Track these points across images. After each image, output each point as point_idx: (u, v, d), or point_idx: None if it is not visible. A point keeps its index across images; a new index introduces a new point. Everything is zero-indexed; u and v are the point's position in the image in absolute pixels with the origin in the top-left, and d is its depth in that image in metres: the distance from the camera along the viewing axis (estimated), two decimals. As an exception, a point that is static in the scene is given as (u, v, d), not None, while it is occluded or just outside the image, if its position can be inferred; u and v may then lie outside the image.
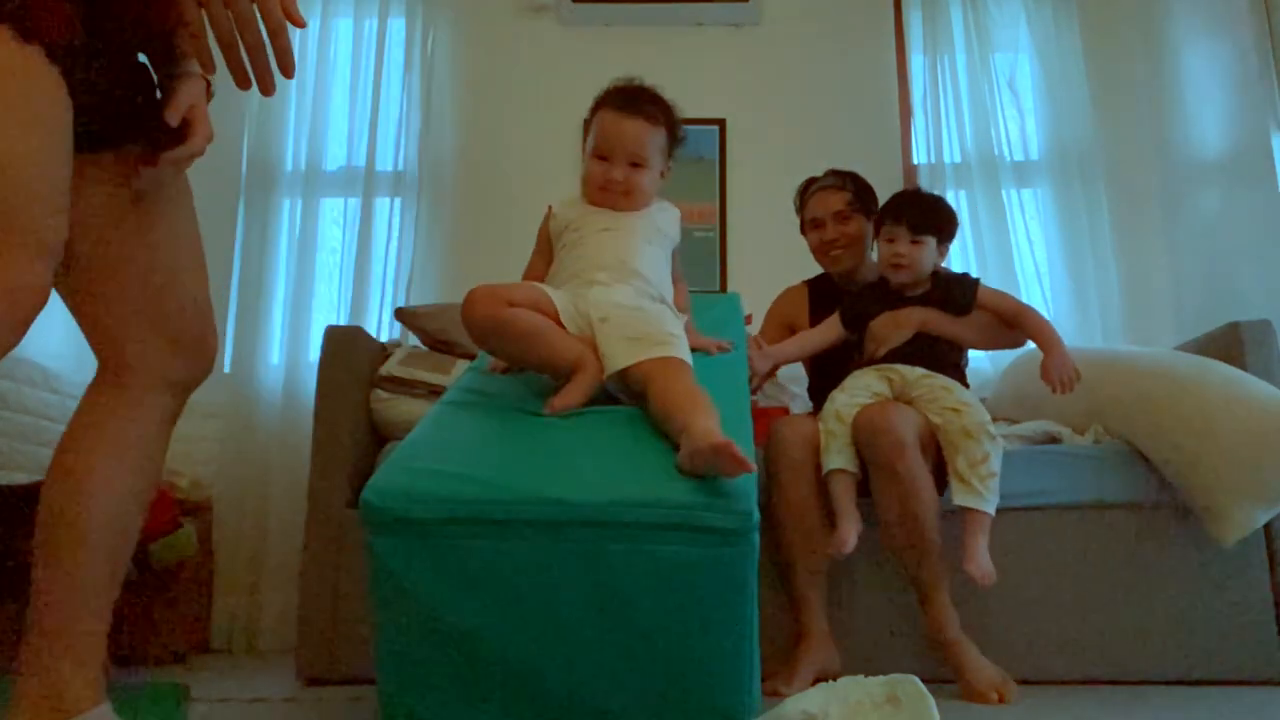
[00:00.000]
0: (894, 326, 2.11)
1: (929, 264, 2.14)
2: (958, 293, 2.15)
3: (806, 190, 2.44)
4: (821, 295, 2.41)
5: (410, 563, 1.24)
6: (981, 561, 1.83)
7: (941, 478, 1.96)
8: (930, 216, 2.14)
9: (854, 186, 2.37)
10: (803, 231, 2.45)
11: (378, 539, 1.24)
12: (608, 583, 1.22)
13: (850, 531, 1.88)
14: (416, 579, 1.24)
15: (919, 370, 2.05)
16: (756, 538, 1.23)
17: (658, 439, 1.42)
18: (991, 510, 1.88)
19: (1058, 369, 2.02)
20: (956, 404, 1.96)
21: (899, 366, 2.06)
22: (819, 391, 2.26)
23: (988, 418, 1.96)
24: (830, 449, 1.98)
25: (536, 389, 1.62)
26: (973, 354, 2.40)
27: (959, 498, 1.89)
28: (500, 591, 1.24)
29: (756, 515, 1.23)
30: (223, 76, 1.29)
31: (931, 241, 2.13)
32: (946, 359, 2.13)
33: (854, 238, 2.33)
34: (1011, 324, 2.14)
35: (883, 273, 2.18)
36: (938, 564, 1.90)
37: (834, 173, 2.42)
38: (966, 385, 2.14)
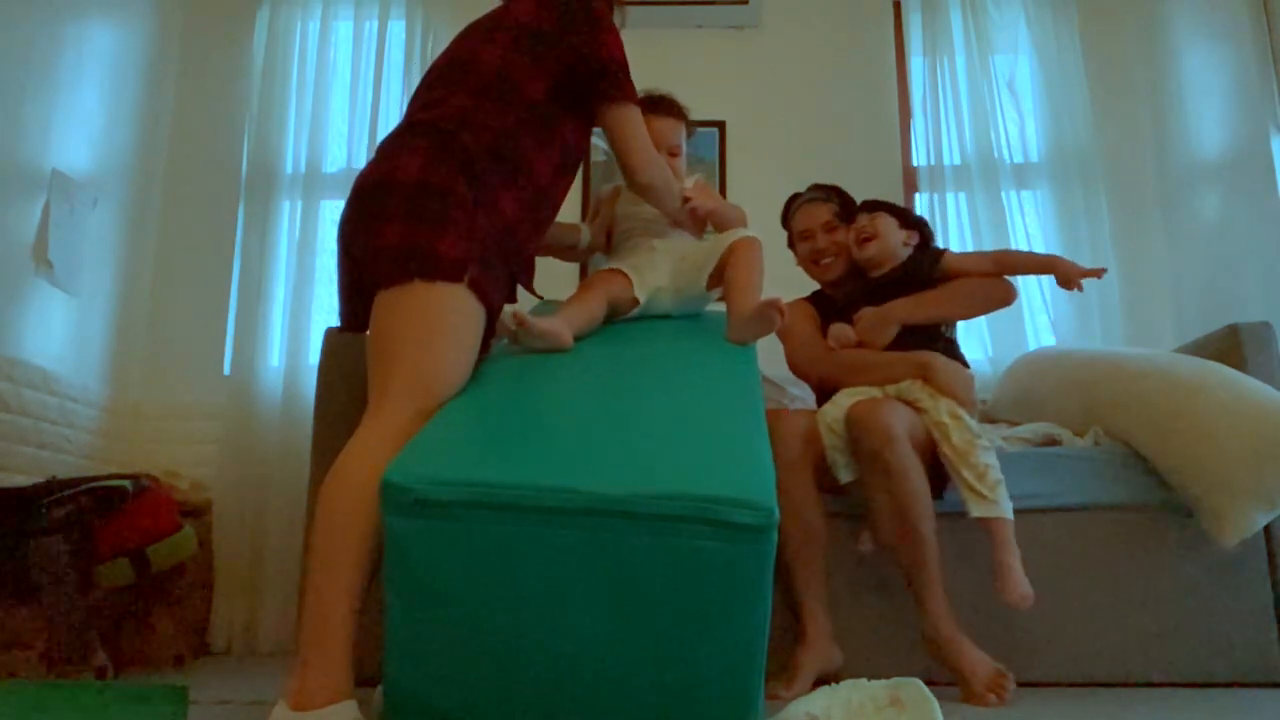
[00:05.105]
0: (877, 330, 2.14)
1: (893, 236, 2.26)
2: (923, 263, 2.24)
3: (791, 205, 2.49)
4: (824, 308, 2.43)
5: (427, 545, 1.23)
6: (1017, 582, 1.82)
7: (937, 480, 1.96)
8: (877, 202, 2.34)
9: (838, 199, 2.42)
10: (790, 246, 2.48)
11: (397, 520, 1.24)
12: (625, 574, 1.22)
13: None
14: (433, 562, 1.23)
15: (898, 385, 2.06)
16: (775, 535, 1.23)
17: (686, 415, 1.45)
18: (1010, 515, 1.87)
19: (1073, 278, 2.08)
20: (943, 419, 1.95)
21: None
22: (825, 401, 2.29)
23: (973, 426, 1.95)
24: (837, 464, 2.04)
25: (561, 371, 1.64)
26: (973, 355, 2.41)
27: (974, 510, 1.88)
28: (516, 577, 1.23)
29: (777, 513, 1.23)
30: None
31: (886, 217, 2.27)
32: (934, 344, 2.14)
33: (843, 246, 2.36)
34: (996, 276, 2.19)
35: (856, 258, 2.30)
36: (932, 559, 1.88)
37: (818, 187, 2.47)
38: (960, 356, 2.19)
